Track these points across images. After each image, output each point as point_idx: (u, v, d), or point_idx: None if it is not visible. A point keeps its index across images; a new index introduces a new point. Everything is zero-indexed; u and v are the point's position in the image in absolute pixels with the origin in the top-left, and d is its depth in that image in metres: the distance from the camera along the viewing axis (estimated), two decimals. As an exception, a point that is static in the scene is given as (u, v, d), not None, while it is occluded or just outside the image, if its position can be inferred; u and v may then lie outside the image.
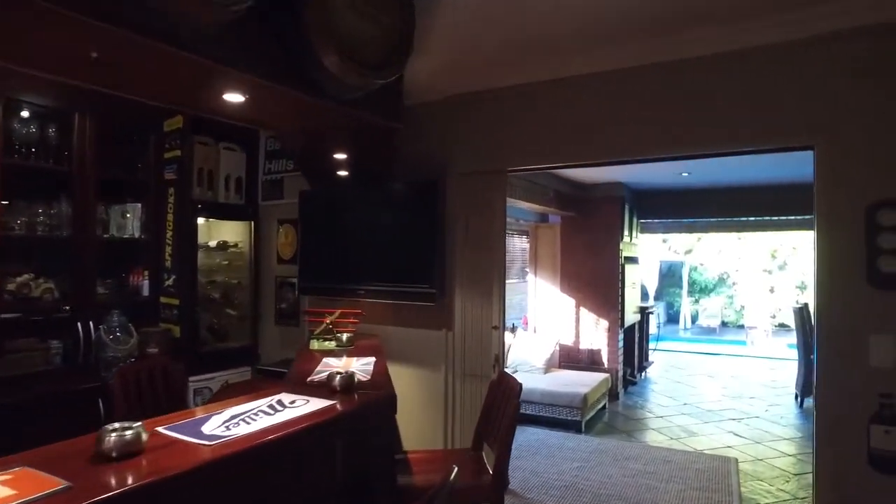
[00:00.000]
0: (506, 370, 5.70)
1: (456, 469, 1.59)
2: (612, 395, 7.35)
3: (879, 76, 2.63)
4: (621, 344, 7.67)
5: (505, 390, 2.86)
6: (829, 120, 2.73)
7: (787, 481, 4.81)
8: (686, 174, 6.63)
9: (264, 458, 1.75)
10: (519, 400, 2.70)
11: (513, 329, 8.69)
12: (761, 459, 5.33)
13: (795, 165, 6.12)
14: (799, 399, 7.30)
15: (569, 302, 7.78)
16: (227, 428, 1.83)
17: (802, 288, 17.32)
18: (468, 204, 3.63)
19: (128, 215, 4.02)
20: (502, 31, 3.12)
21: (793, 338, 16.51)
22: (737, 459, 5.28)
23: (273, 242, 4.70)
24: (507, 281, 10.24)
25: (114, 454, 1.55)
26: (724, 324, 17.79)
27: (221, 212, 4.59)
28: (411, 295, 3.63)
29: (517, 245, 10.04)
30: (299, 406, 2.08)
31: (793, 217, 8.16)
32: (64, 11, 1.84)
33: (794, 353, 14.74)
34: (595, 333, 7.61)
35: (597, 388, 6.53)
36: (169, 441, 1.72)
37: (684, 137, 3.09)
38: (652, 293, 17.17)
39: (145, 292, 4.15)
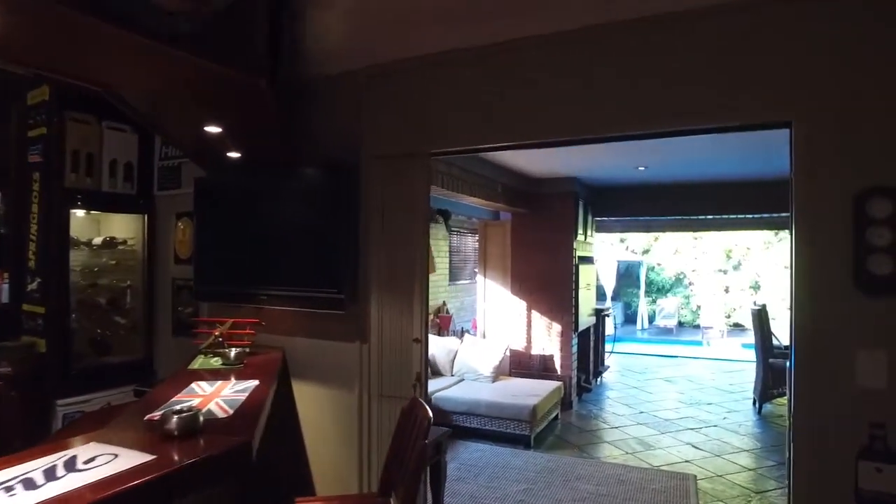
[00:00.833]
0: (456, 377, 5.14)
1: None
2: (565, 403, 6.88)
3: (876, 38, 2.16)
4: (575, 349, 7.21)
5: (414, 424, 2.30)
6: (811, 90, 2.26)
7: (749, 502, 4.39)
8: (643, 168, 6.20)
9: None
10: (426, 441, 2.14)
11: (461, 334, 8.16)
12: (721, 476, 4.91)
13: (758, 161, 5.77)
14: (757, 405, 6.96)
15: (520, 305, 7.29)
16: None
17: (756, 288, 17.33)
18: (386, 193, 3.06)
19: (-20, 205, 3.33)
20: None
21: (748, 337, 16.51)
22: (696, 476, 4.84)
23: (170, 239, 4.04)
24: (459, 282, 9.71)
25: None
26: (680, 324, 17.66)
27: (106, 203, 3.91)
28: (318, 301, 3.04)
29: (469, 245, 9.53)
30: (97, 467, 1.48)
31: (754, 216, 7.85)
32: None
33: (750, 354, 14.72)
34: (547, 338, 7.14)
35: (548, 398, 6.04)
36: None
37: (637, 114, 2.58)
38: (610, 293, 16.91)
39: (4, 299, 3.45)
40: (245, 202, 3.42)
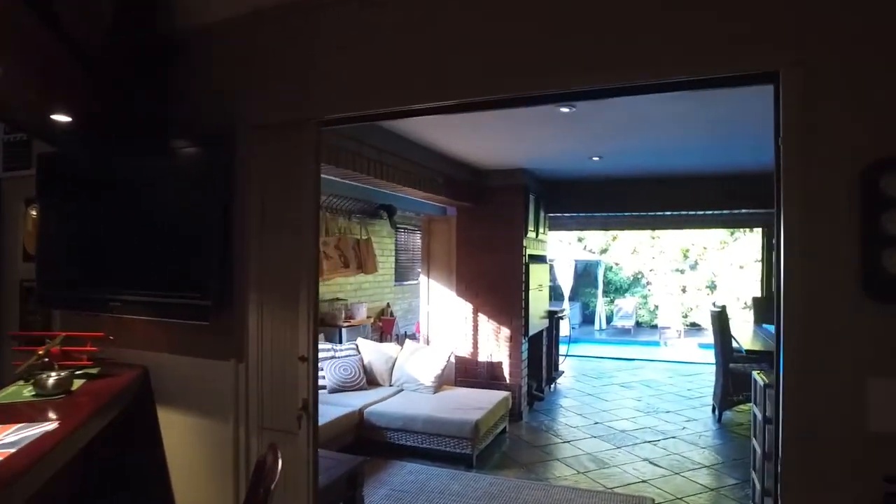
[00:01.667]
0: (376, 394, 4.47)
1: None
2: (515, 415, 6.32)
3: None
4: (525, 355, 6.65)
5: (263, 479, 1.64)
6: (807, 28, 1.70)
7: (713, 531, 3.89)
8: (597, 159, 5.67)
9: None
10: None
11: (401, 339, 7.53)
12: (680, 498, 4.40)
13: (721, 153, 5.28)
14: (716, 413, 6.53)
15: (465, 308, 6.69)
16: None
17: (712, 288, 17.19)
18: (270, 172, 2.40)
19: None
20: None
21: (704, 337, 16.34)
22: (653, 500, 4.33)
23: (17, 230, 3.28)
24: (407, 282, 9.06)
25: None
26: (638, 324, 17.41)
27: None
28: (179, 309, 2.36)
29: (418, 242, 8.89)
30: None
31: (714, 213, 7.45)
32: None
33: (707, 356, 14.50)
34: (495, 344, 6.56)
35: (493, 411, 5.46)
36: None
37: (576, 65, 1.99)
38: (567, 294, 16.53)
39: None
40: (100, 184, 2.71)
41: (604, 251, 18.56)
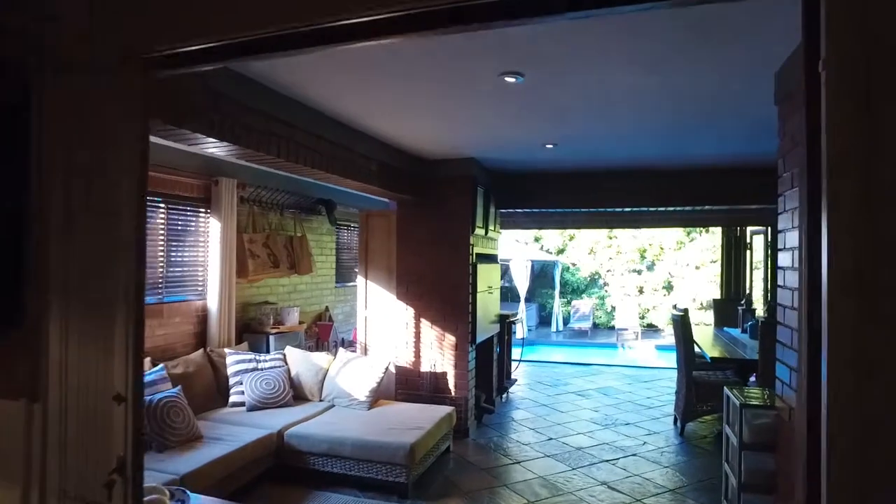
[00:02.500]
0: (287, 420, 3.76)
1: None
2: (461, 431, 5.68)
3: None
4: (473, 364, 6.02)
5: None
6: None
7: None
8: (550, 146, 5.08)
9: None
10: None
11: (334, 347, 6.82)
12: (644, 531, 3.83)
13: (687, 141, 4.66)
14: (679, 425, 6.02)
15: (407, 312, 6.02)
16: None
17: (669, 288, 16.96)
18: (75, 134, 1.68)
19: None
20: None
21: (662, 339, 16.09)
22: (612, 536, 3.75)
23: None
24: (350, 283, 8.30)
25: None
26: (595, 325, 17.05)
27: None
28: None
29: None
30: None
31: (677, 209, 6.98)
32: None
33: (666, 359, 14.19)
34: (439, 352, 5.91)
35: (434, 431, 4.81)
36: None
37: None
38: (523, 295, 16.03)
39: None
40: None
41: (561, 251, 18.17)
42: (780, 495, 2.92)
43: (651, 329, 16.85)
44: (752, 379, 6.52)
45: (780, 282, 3.04)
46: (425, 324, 5.93)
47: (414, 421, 4.84)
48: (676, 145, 5.10)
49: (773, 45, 2.71)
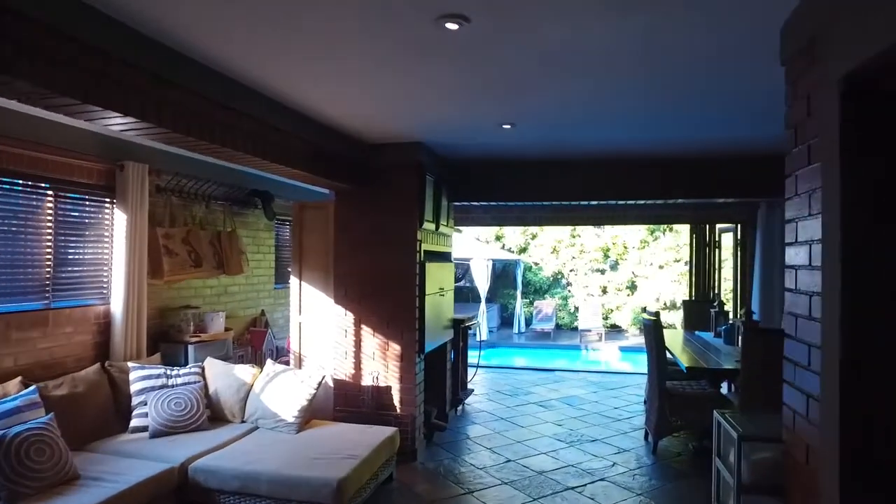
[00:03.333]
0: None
1: None
2: (407, 454, 4.98)
3: None
4: (421, 377, 5.32)
5: None
6: None
7: None
8: (507, 126, 4.41)
9: None
10: None
11: (272, 356, 6.05)
12: (616, 581, 3.19)
13: (663, 123, 3.91)
14: (651, 440, 5.43)
15: (346, 318, 5.28)
16: None
17: (633, 288, 16.57)
18: None
19: None
20: None
21: (626, 341, 15.65)
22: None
23: None
24: (289, 285, 7.54)
25: None
26: (558, 326, 16.55)
27: None
28: None
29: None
30: None
31: (647, 202, 6.40)
32: None
33: (632, 362, 13.72)
34: (382, 364, 5.18)
35: (371, 459, 4.09)
36: None
37: None
38: (484, 296, 15.41)
39: None
40: None
41: (523, 250, 17.62)
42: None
43: (615, 330, 16.44)
44: (726, 387, 5.99)
45: (788, 284, 2.42)
46: (367, 331, 5.20)
47: (348, 447, 4.11)
48: (654, 127, 4.48)
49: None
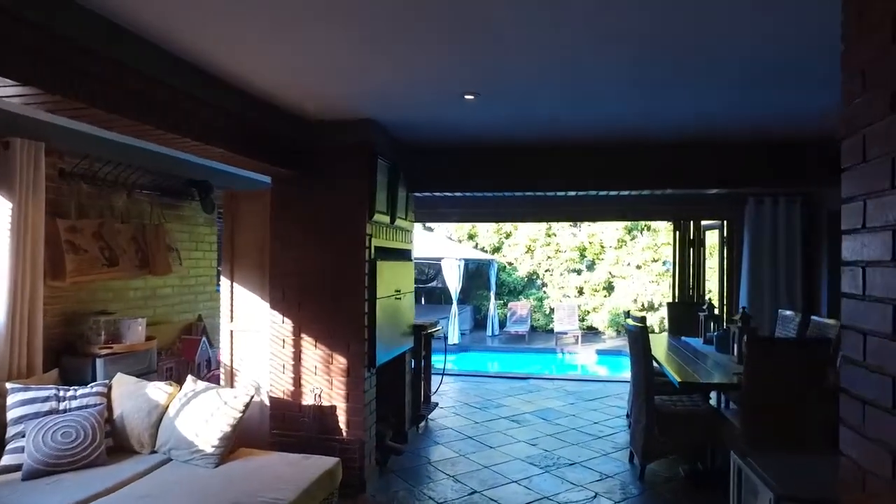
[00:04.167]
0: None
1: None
2: (354, 486, 4.22)
3: None
4: (372, 394, 4.57)
5: None
6: None
7: None
8: (471, 97, 3.68)
9: None
10: None
11: (205, 370, 5.24)
12: None
13: (653, 100, 3.31)
14: (638, 465, 4.76)
15: (285, 326, 4.50)
16: None
17: (610, 289, 16.01)
18: None
19: None
20: None
21: (603, 344, 15.06)
22: None
23: None
24: (209, 288, 6.52)
25: None
26: (533, 328, 15.93)
27: None
28: None
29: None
30: None
31: (633, 194, 5.72)
32: None
33: (609, 366, 13.13)
34: (326, 379, 4.42)
35: (300, 502, 3.32)
36: None
37: None
38: (456, 297, 14.71)
39: None
40: None
41: (496, 249, 16.96)
42: None
43: (591, 332, 15.86)
44: (716, 398, 5.35)
45: (849, 288, 1.72)
46: (308, 341, 4.43)
47: (274, 487, 3.34)
48: (656, 98, 3.79)
49: None
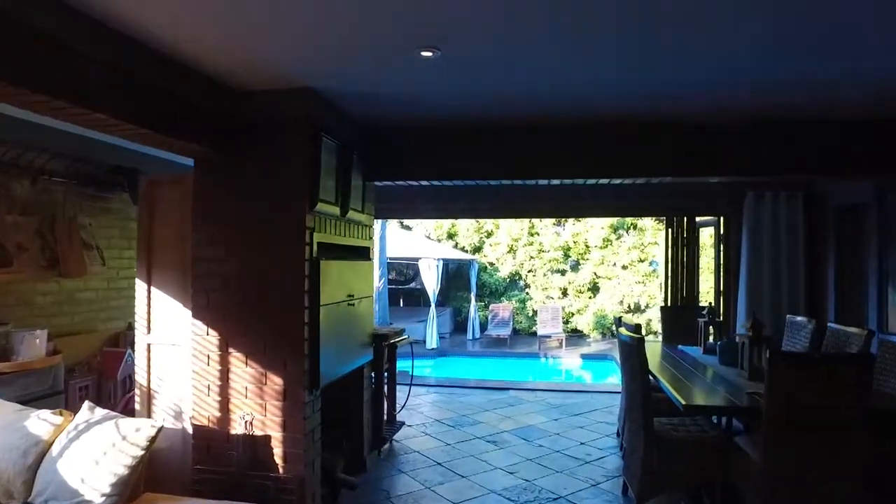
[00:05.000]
0: None
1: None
2: (291, 534, 3.45)
3: None
4: (316, 420, 3.80)
5: None
6: None
7: None
8: (429, 53, 2.93)
9: None
10: None
11: (125, 390, 4.48)
12: None
13: (675, 55, 2.65)
14: (634, 500, 4.03)
15: (209, 339, 3.71)
16: None
17: (595, 290, 15.36)
18: None
19: None
20: None
21: (588, 348, 14.39)
22: None
23: None
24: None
25: None
26: (515, 331, 15.23)
27: None
28: None
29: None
30: None
31: (628, 182, 5.00)
32: None
33: (595, 372, 12.44)
34: (258, 403, 3.64)
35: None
36: None
37: None
38: (434, 299, 13.97)
39: None
40: None
41: (477, 249, 16.25)
42: None
43: (576, 335, 15.19)
44: (722, 420, 4.65)
45: None
46: (237, 358, 3.65)
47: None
48: (660, 63, 3.08)
49: None
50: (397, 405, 5.73)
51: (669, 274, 7.44)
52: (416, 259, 14.39)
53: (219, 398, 3.67)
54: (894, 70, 3.08)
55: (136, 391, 3.94)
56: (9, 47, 2.21)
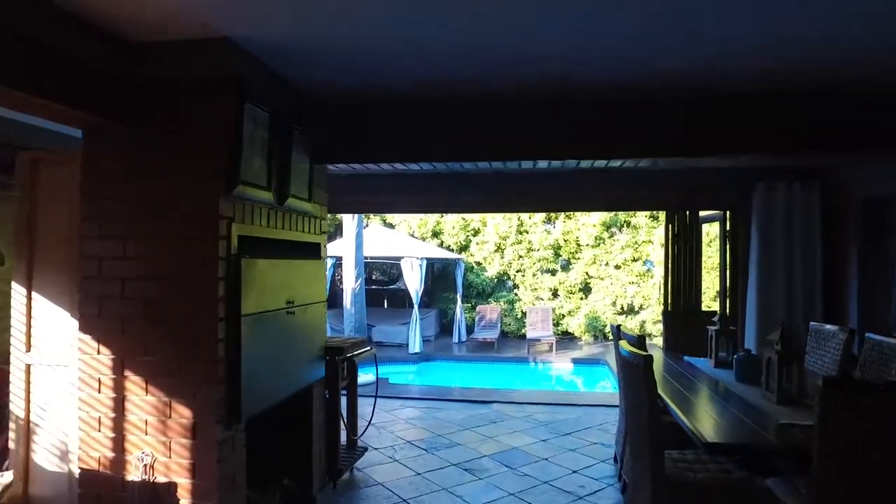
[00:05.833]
0: None
1: None
2: None
3: None
4: (238, 463, 3.00)
5: None
6: None
7: None
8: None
9: None
10: None
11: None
12: None
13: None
14: (635, 549, 3.27)
15: (101, 358, 2.91)
16: None
17: (586, 291, 14.64)
18: None
19: None
20: None
21: (579, 352, 13.64)
22: None
23: None
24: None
25: None
26: (503, 333, 14.48)
27: None
28: None
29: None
30: None
31: (621, 164, 4.24)
32: None
33: (587, 379, 11.69)
34: (162, 441, 2.84)
35: None
36: None
37: None
38: (417, 300, 13.19)
39: None
40: None
41: (464, 248, 15.47)
42: None
43: (567, 338, 14.45)
44: (748, 466, 3.89)
45: None
46: (135, 382, 2.85)
47: None
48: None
49: None
50: (360, 427, 4.94)
51: (669, 274, 6.70)
52: (399, 258, 13.61)
53: (112, 434, 2.88)
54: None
55: (11, 424, 3.13)
56: None
